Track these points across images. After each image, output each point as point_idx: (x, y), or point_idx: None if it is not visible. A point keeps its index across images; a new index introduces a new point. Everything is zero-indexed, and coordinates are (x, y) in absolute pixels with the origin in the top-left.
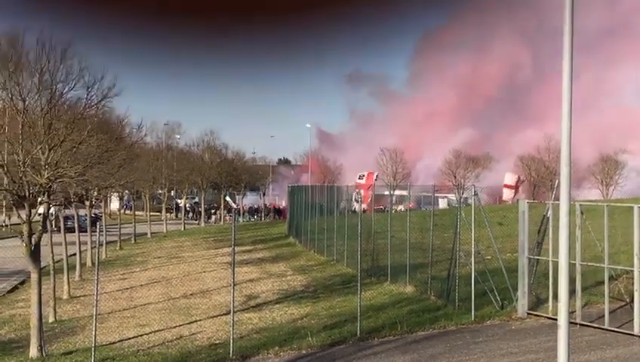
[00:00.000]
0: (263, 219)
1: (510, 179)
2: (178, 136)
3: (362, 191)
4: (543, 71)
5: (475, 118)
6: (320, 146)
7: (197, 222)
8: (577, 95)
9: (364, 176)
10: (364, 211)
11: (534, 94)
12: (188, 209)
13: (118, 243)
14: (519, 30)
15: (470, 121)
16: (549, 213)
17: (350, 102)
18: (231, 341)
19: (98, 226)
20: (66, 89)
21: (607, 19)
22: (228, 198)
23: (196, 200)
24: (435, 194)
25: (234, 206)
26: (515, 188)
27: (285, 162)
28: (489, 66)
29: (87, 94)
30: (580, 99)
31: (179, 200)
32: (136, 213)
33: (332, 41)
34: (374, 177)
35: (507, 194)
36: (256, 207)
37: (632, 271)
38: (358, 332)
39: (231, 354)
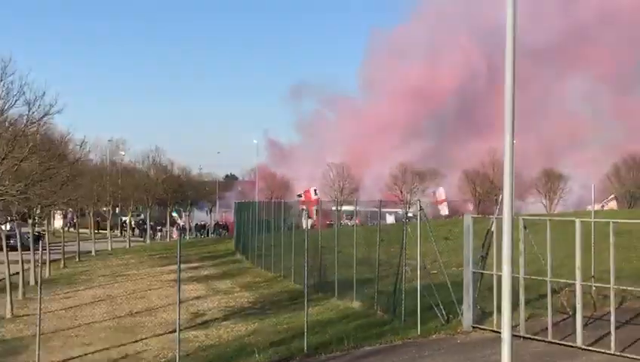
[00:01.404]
0: (210, 235)
1: (442, 194)
2: (122, 153)
3: (306, 208)
4: (497, 82)
5: (427, 129)
6: (271, 159)
7: (143, 239)
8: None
9: (301, 195)
10: (313, 226)
11: (487, 106)
12: (133, 226)
13: (62, 262)
14: (477, 38)
15: (421, 132)
16: (493, 227)
17: (297, 115)
18: (177, 359)
19: (41, 244)
20: (7, 106)
21: (557, 30)
22: (174, 214)
23: (142, 217)
24: (383, 209)
25: (180, 222)
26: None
27: (232, 178)
28: (443, 75)
29: (29, 111)
30: (526, 111)
31: (124, 218)
32: (81, 230)
33: (280, 50)
34: (312, 193)
35: (444, 209)
36: (203, 223)
37: (574, 283)
38: (305, 348)
39: None
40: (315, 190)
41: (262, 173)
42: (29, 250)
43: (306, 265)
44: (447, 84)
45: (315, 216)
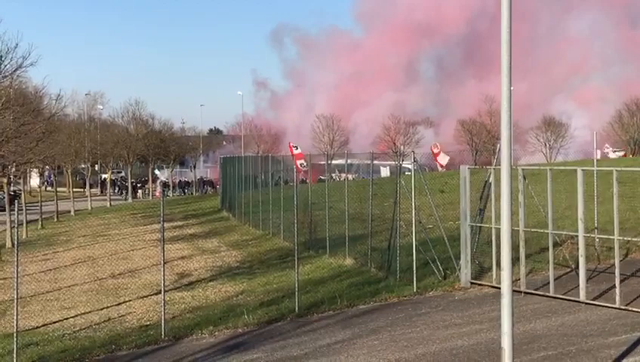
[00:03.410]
0: (194, 193)
1: (436, 148)
2: (101, 107)
3: (300, 162)
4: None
5: (424, 71)
6: (260, 108)
7: (124, 197)
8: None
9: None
10: (303, 181)
11: (489, 46)
12: (114, 184)
13: (40, 222)
14: None
15: (418, 74)
16: (490, 178)
17: (283, 60)
18: (162, 321)
19: (17, 204)
20: None
21: None
22: (156, 171)
23: (122, 174)
24: (377, 162)
25: (163, 179)
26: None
27: (217, 132)
28: (450, 6)
29: (0, 64)
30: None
31: (104, 175)
32: (58, 189)
33: None
34: (294, 148)
35: (443, 159)
36: (186, 180)
37: (577, 236)
38: (297, 308)
39: (163, 335)
40: (295, 146)
41: (249, 126)
42: (3, 210)
43: (295, 221)
44: (450, 18)
45: (302, 171)
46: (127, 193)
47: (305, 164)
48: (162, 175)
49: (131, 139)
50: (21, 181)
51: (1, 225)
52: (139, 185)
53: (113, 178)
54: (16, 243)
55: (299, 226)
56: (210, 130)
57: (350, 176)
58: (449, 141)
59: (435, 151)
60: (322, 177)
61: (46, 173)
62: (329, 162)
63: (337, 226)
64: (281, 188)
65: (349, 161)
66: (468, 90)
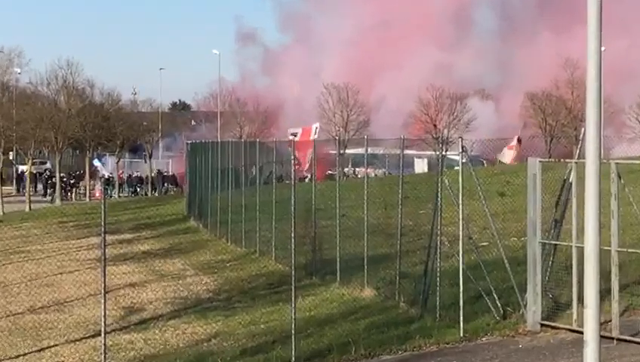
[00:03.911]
0: (150, 193)
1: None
2: (18, 70)
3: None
4: None
5: (480, 22)
6: (243, 72)
7: (50, 198)
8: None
9: (296, 133)
10: (303, 179)
11: None
12: (36, 179)
13: None
14: None
15: (471, 26)
16: (571, 176)
17: (279, 3)
18: None
19: None
20: None
21: None
22: (97, 163)
23: (48, 166)
24: (409, 152)
25: (105, 174)
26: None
27: (182, 107)
28: None
29: None
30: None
31: (22, 167)
32: None
33: None
34: (313, 132)
35: (508, 157)
36: (139, 175)
37: None
38: (293, 358)
39: None
40: (317, 128)
41: (229, 98)
42: None
43: (292, 235)
44: None
45: (307, 165)
46: (54, 192)
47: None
48: (104, 168)
49: (61, 115)
50: None
51: None
52: (71, 181)
53: (35, 171)
54: None
55: (297, 242)
56: (174, 105)
57: (371, 172)
58: (512, 122)
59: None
60: (332, 172)
61: None
62: (342, 152)
63: (352, 243)
64: (273, 188)
65: (370, 151)
66: (541, 50)
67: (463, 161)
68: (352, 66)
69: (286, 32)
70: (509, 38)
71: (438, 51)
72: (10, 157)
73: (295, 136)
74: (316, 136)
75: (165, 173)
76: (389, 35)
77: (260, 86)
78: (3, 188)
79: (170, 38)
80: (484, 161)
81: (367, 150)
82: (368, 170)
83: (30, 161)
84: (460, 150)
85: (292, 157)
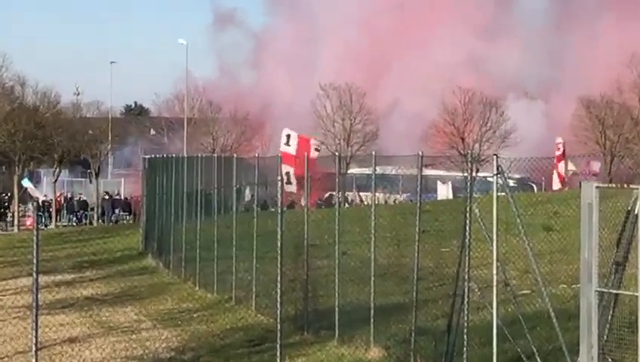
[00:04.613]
0: (97, 221)
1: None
2: None
3: (291, 170)
4: None
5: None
6: (222, 65)
7: None
8: None
9: (289, 137)
10: (292, 205)
11: None
12: None
13: None
14: None
15: (513, 10)
16: (637, 207)
17: None
18: None
19: None
20: None
21: None
22: (27, 183)
23: None
24: (430, 172)
25: (39, 196)
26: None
27: (139, 112)
28: None
29: None
30: None
31: None
32: None
33: None
34: (313, 147)
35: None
36: (83, 197)
37: None
38: None
39: None
40: (316, 146)
41: (198, 101)
42: None
43: (279, 278)
44: None
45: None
46: None
47: (289, 174)
48: (38, 189)
49: None
50: None
51: None
52: None
53: None
54: None
55: (285, 287)
56: (128, 109)
57: (380, 197)
58: (563, 134)
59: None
60: (329, 196)
61: None
62: (343, 171)
63: (355, 289)
64: (253, 217)
65: (378, 170)
66: (601, 44)
67: (500, 183)
68: (357, 60)
69: (273, 14)
70: (562, 26)
71: (470, 41)
72: None
73: (289, 143)
74: (316, 155)
75: (116, 197)
76: (404, 19)
77: (238, 86)
78: None
79: (124, 23)
80: (534, 185)
81: (374, 169)
82: (377, 195)
83: None
84: (495, 171)
85: (279, 176)
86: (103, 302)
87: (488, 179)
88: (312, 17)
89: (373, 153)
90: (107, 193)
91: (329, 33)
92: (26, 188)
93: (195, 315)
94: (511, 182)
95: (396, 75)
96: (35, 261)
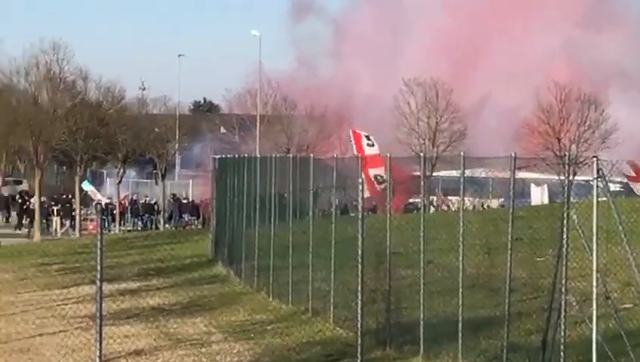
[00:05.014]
0: (163, 226)
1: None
2: None
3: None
4: None
5: None
6: (300, 57)
7: (26, 231)
8: None
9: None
10: (373, 209)
11: None
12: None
13: None
14: None
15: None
16: None
17: None
18: None
19: None
20: None
21: None
22: (87, 186)
23: (24, 186)
24: (524, 175)
25: (101, 199)
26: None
27: (209, 108)
28: None
29: None
30: None
31: None
32: None
33: None
34: (364, 142)
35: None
36: (149, 200)
37: None
38: None
39: None
40: (367, 136)
41: (272, 96)
42: None
43: (360, 288)
44: None
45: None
46: (31, 223)
47: (382, 176)
48: (100, 191)
49: (43, 117)
50: None
51: None
52: (55, 208)
53: (7, 194)
54: None
55: (366, 298)
56: (197, 105)
57: (468, 203)
58: None
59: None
60: (413, 202)
61: None
62: (428, 174)
63: (441, 300)
64: (332, 223)
65: (467, 173)
66: None
67: (601, 188)
68: (444, 49)
69: (353, 2)
70: None
71: (567, 27)
72: None
73: (372, 144)
74: (374, 151)
75: (184, 199)
76: (496, 5)
77: (315, 80)
78: None
79: (192, 14)
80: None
81: (463, 172)
82: (463, 199)
83: (0, 180)
84: (595, 174)
85: (360, 179)
86: (171, 313)
87: (590, 182)
88: (396, 1)
89: (462, 154)
90: (174, 195)
91: (414, 19)
92: (87, 191)
93: (268, 327)
94: (615, 187)
95: (486, 67)
96: (98, 268)
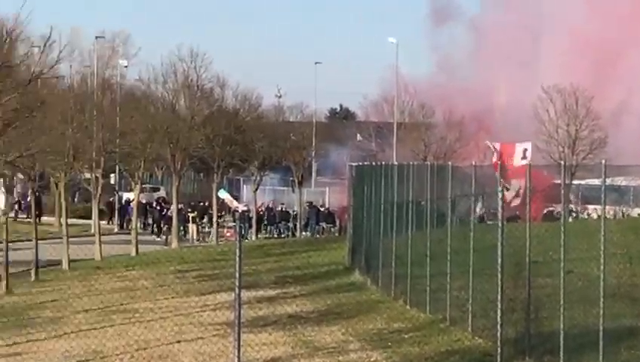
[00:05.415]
0: (299, 233)
1: None
2: (124, 63)
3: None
4: None
5: None
6: (442, 62)
7: (164, 238)
8: None
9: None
10: (515, 218)
11: None
12: (152, 213)
13: (4, 282)
14: None
15: None
16: None
17: None
18: None
19: None
20: None
21: None
22: (223, 194)
23: (162, 193)
24: None
25: (238, 207)
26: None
27: (345, 116)
28: None
29: None
30: None
31: (127, 195)
32: (42, 218)
33: None
34: (520, 156)
35: None
36: (285, 208)
37: None
38: None
39: None
40: (526, 150)
41: (409, 104)
42: None
43: (499, 297)
44: None
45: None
46: (169, 230)
47: (507, 187)
48: (235, 199)
49: (181, 125)
50: None
51: None
52: (190, 214)
53: (145, 201)
54: None
55: (505, 307)
56: (333, 112)
57: (610, 211)
58: None
59: None
60: (553, 209)
61: (17, 189)
62: (568, 182)
63: (582, 309)
64: (470, 231)
65: (609, 181)
66: None
67: None
68: (584, 52)
69: (492, 5)
70: None
71: None
72: (112, 182)
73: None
74: (526, 162)
75: (320, 207)
76: (637, 8)
77: (452, 87)
78: (102, 223)
79: (329, 21)
80: None
81: (604, 180)
82: (604, 208)
83: (138, 187)
84: None
85: (499, 188)
86: (308, 320)
87: None
88: (536, 5)
89: (603, 162)
90: (310, 203)
91: (553, 21)
92: (224, 199)
93: (406, 336)
94: None
95: (629, 69)
96: (237, 275)
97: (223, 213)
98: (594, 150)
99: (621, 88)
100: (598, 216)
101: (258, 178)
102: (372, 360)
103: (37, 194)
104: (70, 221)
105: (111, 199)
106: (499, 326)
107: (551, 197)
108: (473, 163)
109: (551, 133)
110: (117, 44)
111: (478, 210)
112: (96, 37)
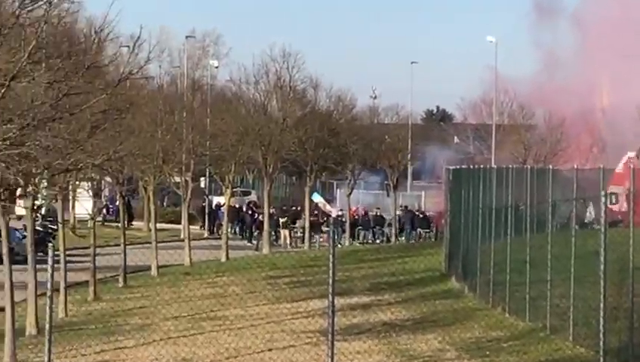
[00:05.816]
0: (394, 239)
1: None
2: (215, 64)
3: (618, 189)
4: None
5: None
6: (548, 58)
7: (254, 243)
8: None
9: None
10: (618, 222)
11: None
12: (243, 218)
13: (92, 287)
14: None
15: None
16: None
17: None
18: None
19: (51, 251)
20: None
21: None
22: (317, 197)
23: (253, 197)
24: None
25: (331, 211)
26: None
27: (441, 118)
28: None
29: None
30: None
31: (217, 199)
32: (131, 223)
33: None
34: (620, 165)
35: None
36: (379, 213)
37: None
38: None
39: None
40: (632, 156)
41: (509, 105)
42: (24, 262)
43: (602, 305)
44: None
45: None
46: (260, 235)
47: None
48: (329, 203)
49: (273, 127)
50: (59, 206)
51: (20, 291)
52: (282, 219)
53: (236, 205)
54: (48, 328)
55: (608, 316)
56: (429, 114)
57: None
58: None
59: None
60: None
61: (105, 193)
62: None
63: None
64: (571, 236)
65: None
66: None
67: None
68: None
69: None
70: None
71: None
72: (202, 185)
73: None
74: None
75: (417, 211)
76: None
77: (553, 88)
78: (192, 227)
79: (425, 20)
80: None
81: None
82: None
83: (229, 191)
84: None
85: (602, 192)
86: (403, 328)
87: None
88: None
89: None
90: (406, 207)
91: None
92: (317, 203)
93: (504, 345)
94: None
95: None
96: (330, 281)
97: (317, 218)
98: None
99: None
100: None
101: (352, 181)
102: None
103: (126, 198)
104: (159, 226)
105: (203, 204)
106: (601, 335)
107: None
108: (575, 166)
109: None
110: (207, 43)
111: (588, 214)
112: (187, 36)
